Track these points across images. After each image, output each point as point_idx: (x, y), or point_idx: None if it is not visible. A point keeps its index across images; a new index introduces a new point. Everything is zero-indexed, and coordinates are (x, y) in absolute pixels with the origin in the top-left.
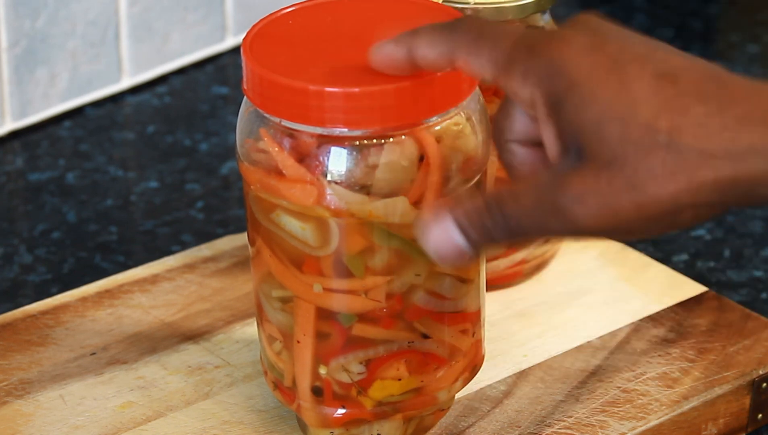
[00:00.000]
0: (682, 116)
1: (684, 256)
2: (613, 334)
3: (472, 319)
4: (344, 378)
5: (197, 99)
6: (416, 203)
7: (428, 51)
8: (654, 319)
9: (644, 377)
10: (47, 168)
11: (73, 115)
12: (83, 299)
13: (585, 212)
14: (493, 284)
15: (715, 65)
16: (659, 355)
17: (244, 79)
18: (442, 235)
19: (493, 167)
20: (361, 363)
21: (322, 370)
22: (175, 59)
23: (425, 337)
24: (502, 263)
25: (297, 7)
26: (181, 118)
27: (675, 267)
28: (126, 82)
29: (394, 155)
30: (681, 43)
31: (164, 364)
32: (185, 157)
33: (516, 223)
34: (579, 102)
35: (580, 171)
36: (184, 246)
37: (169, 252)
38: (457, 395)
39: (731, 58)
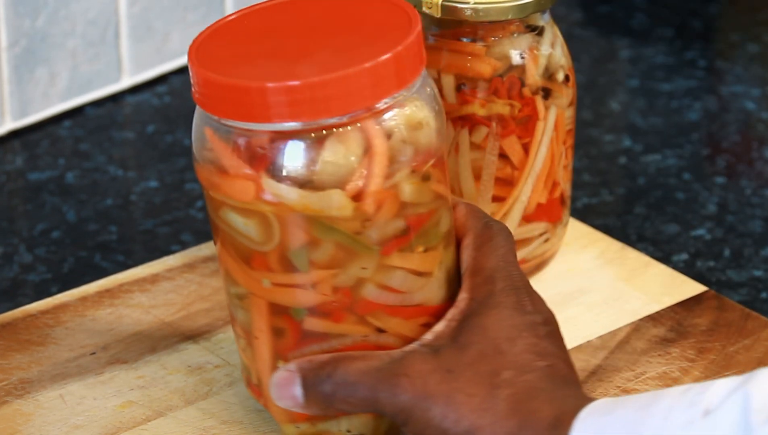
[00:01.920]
0: (521, 377)
1: (684, 256)
2: (613, 333)
3: (435, 313)
4: None
5: None
6: (356, 196)
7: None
8: (654, 318)
9: (644, 377)
10: (47, 168)
11: (73, 114)
12: (83, 299)
13: (407, 398)
14: None
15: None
16: (659, 355)
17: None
18: (286, 382)
19: (493, 167)
20: None
21: (281, 365)
22: (175, 59)
23: (380, 331)
24: None
25: (243, 12)
26: (181, 117)
27: (675, 267)
28: (126, 82)
29: (334, 148)
30: (681, 43)
31: (164, 364)
32: (185, 157)
33: (351, 383)
34: (474, 324)
35: (426, 364)
36: (184, 246)
37: (169, 252)
38: None
39: (731, 58)
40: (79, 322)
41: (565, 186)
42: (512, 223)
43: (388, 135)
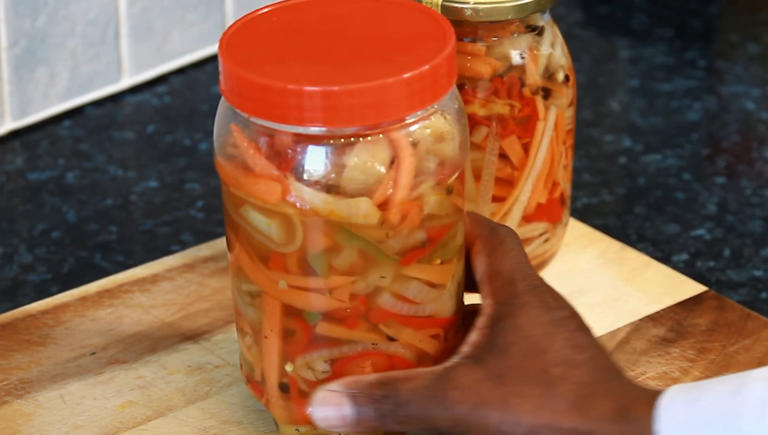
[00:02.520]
0: (572, 371)
1: (684, 256)
2: (613, 333)
3: (444, 325)
4: (309, 376)
5: (197, 99)
6: (381, 205)
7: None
8: (654, 318)
9: (644, 377)
10: (47, 168)
11: (73, 114)
12: (83, 299)
13: (463, 409)
14: None
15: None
16: (659, 355)
17: (220, 74)
18: (332, 402)
19: (493, 167)
20: (326, 362)
21: (288, 367)
22: (175, 59)
23: (391, 339)
24: None
25: (275, 6)
26: (181, 117)
27: (675, 267)
28: (126, 82)
29: (363, 156)
30: (681, 43)
31: (164, 364)
32: (185, 157)
33: (404, 403)
34: (509, 327)
35: (473, 374)
36: (184, 246)
37: (169, 252)
38: None
39: (731, 58)
40: (79, 322)
41: (565, 186)
42: (512, 223)
43: (414, 145)
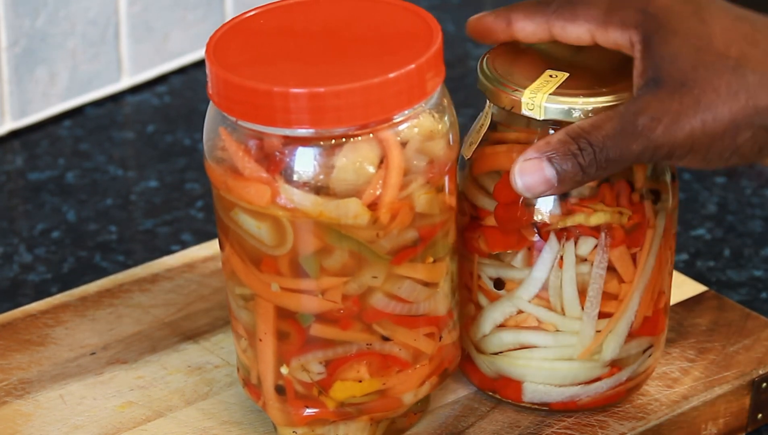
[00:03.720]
0: (752, 48)
1: (684, 256)
2: None
3: (439, 323)
4: (305, 377)
5: (197, 98)
6: (371, 205)
7: (526, 23)
8: None
9: None
10: (47, 167)
11: (72, 114)
12: (83, 299)
13: (660, 130)
14: (595, 406)
15: None
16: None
17: (207, 78)
18: (533, 169)
19: (601, 281)
20: (320, 363)
21: (284, 370)
22: (175, 59)
23: (386, 339)
24: (606, 384)
25: (261, 10)
26: (181, 117)
27: (675, 267)
28: (126, 82)
29: (352, 156)
30: None
31: (164, 364)
32: (185, 157)
33: (600, 148)
34: (664, 36)
35: (658, 94)
36: (184, 246)
37: (169, 252)
38: (457, 395)
39: None
40: (79, 322)
41: (668, 293)
42: (617, 341)
43: (403, 144)
